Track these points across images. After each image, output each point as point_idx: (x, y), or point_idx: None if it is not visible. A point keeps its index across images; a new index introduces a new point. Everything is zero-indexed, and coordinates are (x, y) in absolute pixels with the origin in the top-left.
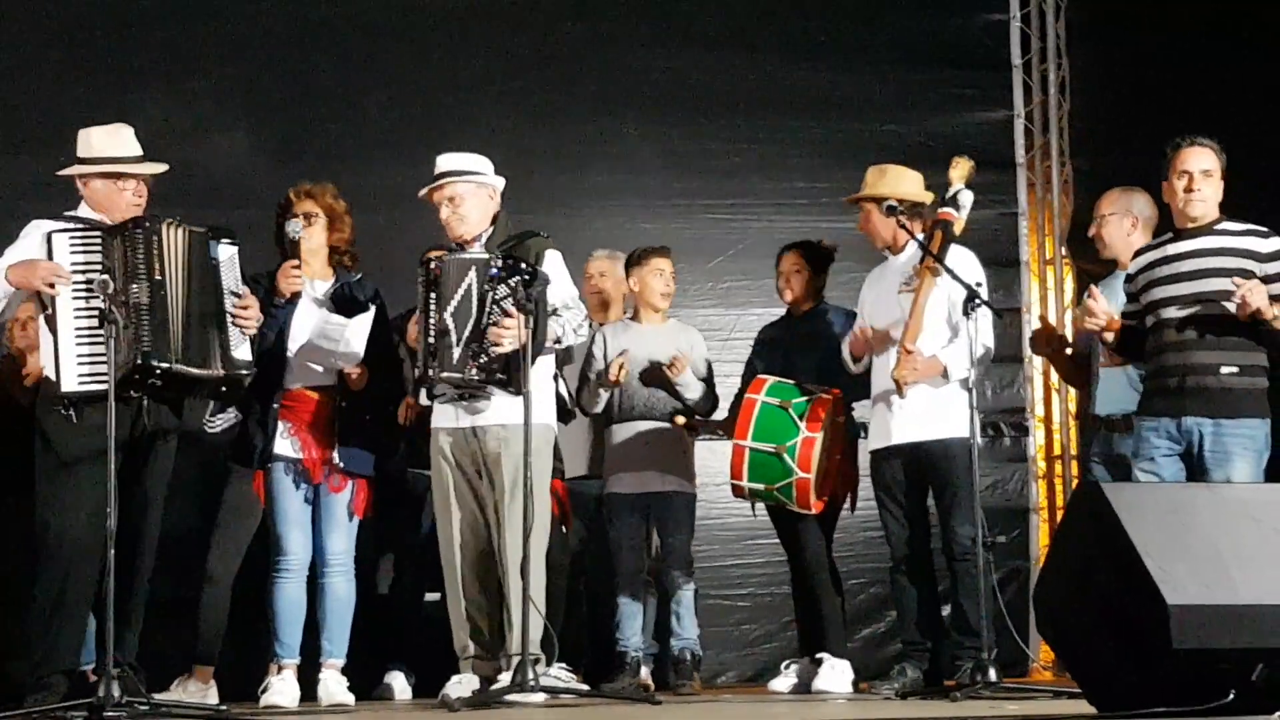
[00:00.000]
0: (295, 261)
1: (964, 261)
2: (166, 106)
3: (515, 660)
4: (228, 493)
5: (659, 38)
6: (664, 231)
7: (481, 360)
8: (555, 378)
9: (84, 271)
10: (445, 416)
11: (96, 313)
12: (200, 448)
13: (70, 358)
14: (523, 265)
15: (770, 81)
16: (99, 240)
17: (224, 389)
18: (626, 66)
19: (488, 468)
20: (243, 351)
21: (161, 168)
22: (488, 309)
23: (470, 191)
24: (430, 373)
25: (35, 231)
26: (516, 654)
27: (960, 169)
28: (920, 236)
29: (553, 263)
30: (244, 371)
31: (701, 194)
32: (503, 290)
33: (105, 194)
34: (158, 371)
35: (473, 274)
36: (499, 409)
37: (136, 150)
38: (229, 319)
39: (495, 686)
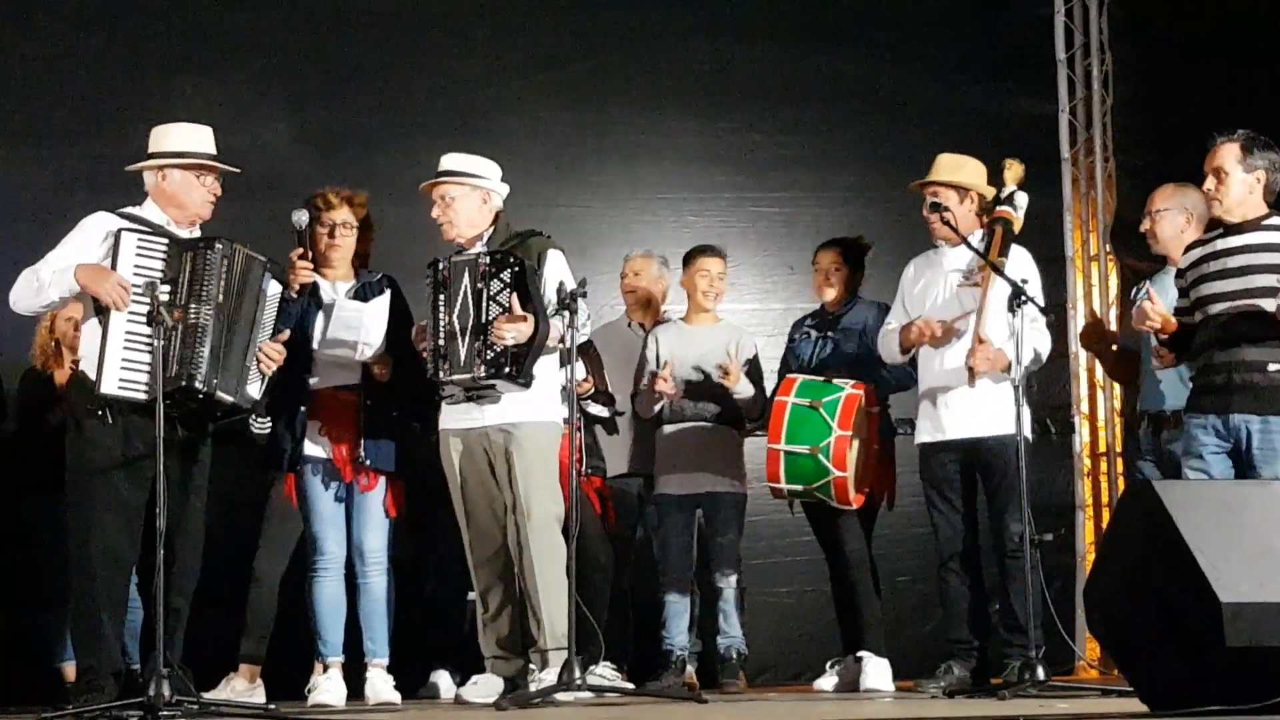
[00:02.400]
0: (300, 250)
1: (1021, 261)
2: (208, 96)
3: (549, 656)
4: (273, 493)
5: (704, 29)
6: (709, 225)
7: (487, 356)
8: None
9: (144, 276)
10: (453, 418)
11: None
12: (247, 449)
13: (115, 361)
14: (511, 258)
15: (816, 75)
16: (165, 248)
17: (219, 415)
18: (672, 58)
19: (498, 466)
20: (254, 389)
21: (235, 169)
22: (485, 305)
23: (462, 193)
24: (441, 375)
25: (98, 226)
26: (549, 649)
27: (1013, 171)
28: (980, 233)
29: (554, 262)
30: (247, 407)
31: (747, 187)
32: (496, 285)
33: (183, 186)
34: (200, 396)
35: (467, 274)
36: (507, 407)
37: (214, 150)
38: (255, 353)
39: (543, 685)
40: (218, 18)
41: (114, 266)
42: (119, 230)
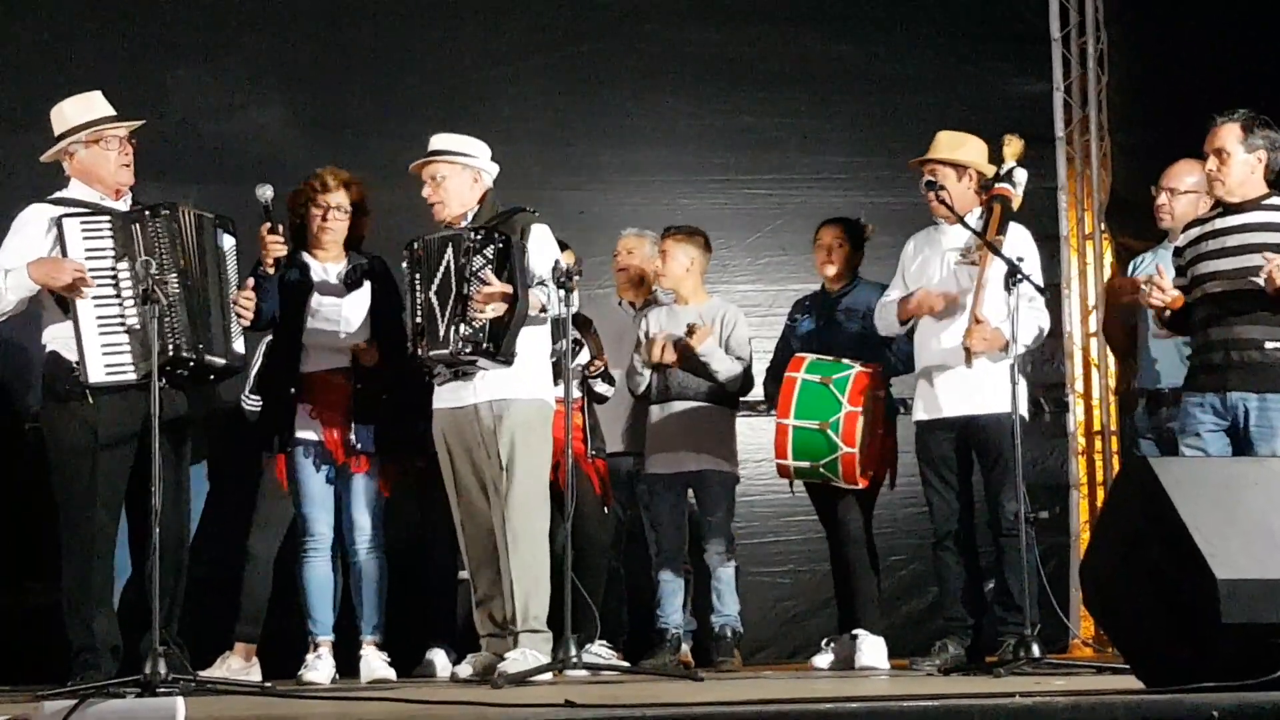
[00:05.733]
0: (268, 225)
1: (1020, 238)
2: (200, 81)
3: (520, 637)
4: (267, 473)
5: (697, 11)
6: (702, 207)
7: (465, 333)
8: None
9: (97, 258)
10: (443, 397)
11: (115, 301)
12: (241, 427)
13: (95, 349)
14: (496, 234)
15: (809, 55)
16: (109, 225)
17: (212, 377)
18: (665, 40)
19: (486, 444)
20: (239, 344)
21: (138, 123)
22: (467, 280)
23: (453, 172)
24: (420, 352)
25: (37, 219)
26: (519, 631)
27: (1013, 147)
28: (979, 211)
29: (539, 237)
30: (238, 364)
31: (740, 169)
32: (479, 261)
33: (91, 161)
34: (190, 363)
35: (450, 250)
36: (494, 385)
37: (110, 111)
38: (231, 308)
39: (540, 663)
40: (211, 4)
41: (63, 254)
42: (59, 218)
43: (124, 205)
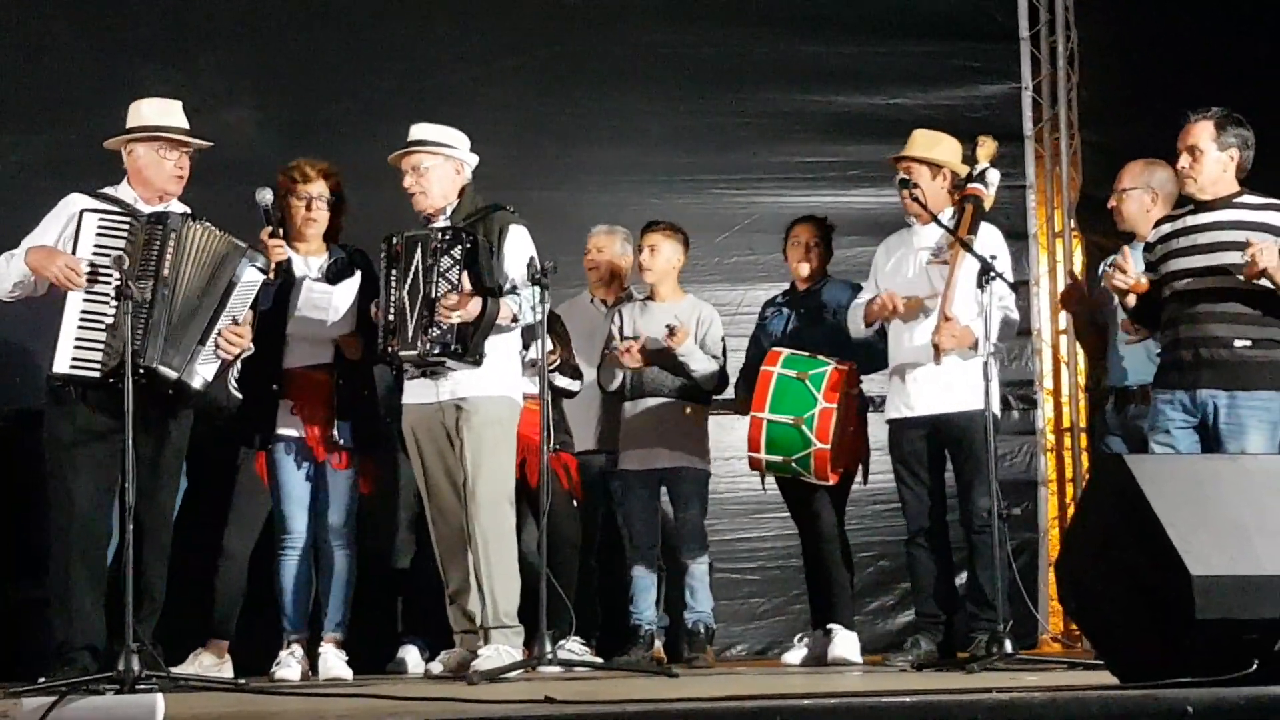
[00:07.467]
0: (268, 229)
1: (992, 238)
2: (173, 83)
3: (491, 634)
4: (243, 469)
5: (666, 12)
6: (670, 207)
7: (434, 334)
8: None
9: (107, 255)
10: (412, 393)
11: (106, 299)
12: (217, 425)
13: (69, 341)
14: (464, 234)
15: (777, 55)
16: (129, 226)
17: (170, 392)
18: (633, 41)
19: (452, 440)
20: (207, 371)
21: (206, 143)
22: (434, 281)
23: (436, 164)
24: (390, 350)
25: (69, 207)
26: (491, 627)
27: (986, 148)
28: (951, 210)
29: (517, 238)
30: (197, 387)
31: (708, 169)
32: (446, 261)
33: (147, 162)
34: (140, 371)
35: (419, 250)
36: (460, 382)
37: (184, 124)
38: (214, 336)
39: (513, 660)
40: (183, 4)
41: (75, 246)
42: (81, 210)
43: (158, 211)
